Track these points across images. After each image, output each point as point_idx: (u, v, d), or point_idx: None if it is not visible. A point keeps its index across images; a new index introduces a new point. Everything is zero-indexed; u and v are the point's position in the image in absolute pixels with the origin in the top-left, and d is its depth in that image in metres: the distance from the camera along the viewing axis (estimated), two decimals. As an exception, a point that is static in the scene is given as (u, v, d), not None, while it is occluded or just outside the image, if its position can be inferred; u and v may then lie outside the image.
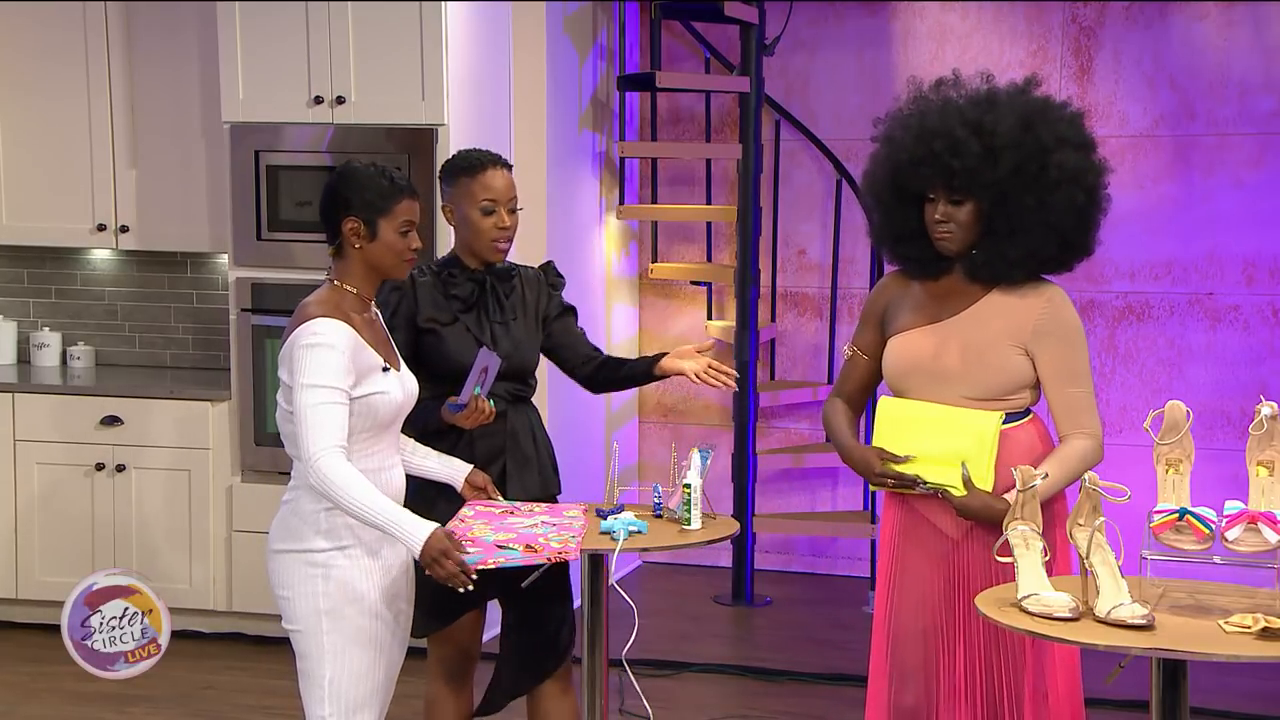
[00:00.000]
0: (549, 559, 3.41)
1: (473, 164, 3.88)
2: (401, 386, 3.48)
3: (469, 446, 3.85)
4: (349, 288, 3.44)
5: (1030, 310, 3.51)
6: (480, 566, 3.35)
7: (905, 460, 3.48)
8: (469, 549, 3.36)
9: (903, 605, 3.59)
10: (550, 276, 4.10)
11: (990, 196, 3.44)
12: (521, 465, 3.90)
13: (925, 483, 3.46)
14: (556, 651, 3.96)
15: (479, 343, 3.82)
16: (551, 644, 3.95)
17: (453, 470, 3.77)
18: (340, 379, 3.30)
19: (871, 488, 3.62)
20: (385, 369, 3.42)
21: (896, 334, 3.62)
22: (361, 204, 3.42)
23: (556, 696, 3.97)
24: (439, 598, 3.75)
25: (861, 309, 3.82)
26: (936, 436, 3.47)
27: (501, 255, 3.90)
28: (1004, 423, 3.50)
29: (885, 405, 3.60)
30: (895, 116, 3.63)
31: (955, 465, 3.41)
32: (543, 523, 3.62)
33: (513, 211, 3.90)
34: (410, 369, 3.71)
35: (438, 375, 3.83)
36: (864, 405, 3.78)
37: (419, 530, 3.22)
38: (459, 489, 3.77)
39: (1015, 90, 3.54)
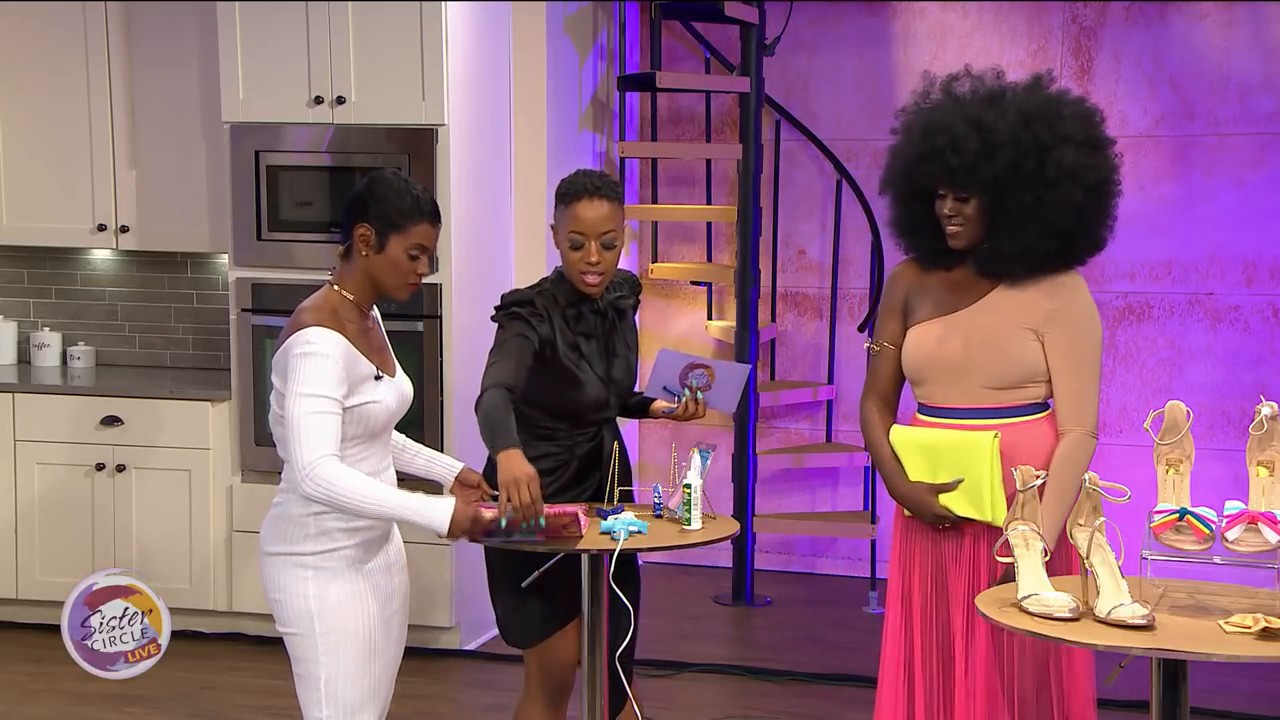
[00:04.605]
0: (568, 530, 3.47)
1: (567, 191, 3.74)
2: (395, 393, 3.47)
3: (573, 465, 3.87)
4: (346, 293, 3.42)
5: (1045, 295, 3.53)
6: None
7: (956, 486, 3.49)
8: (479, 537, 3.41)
9: (922, 607, 3.60)
10: (634, 285, 4.01)
11: (989, 193, 3.46)
12: (623, 477, 3.89)
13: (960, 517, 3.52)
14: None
15: (600, 379, 3.81)
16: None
17: (442, 469, 3.75)
18: (333, 388, 3.27)
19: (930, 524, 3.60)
20: (378, 377, 3.40)
21: (914, 325, 3.63)
22: (379, 214, 3.38)
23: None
24: (538, 608, 3.80)
25: (880, 304, 3.81)
26: (946, 464, 3.50)
27: (592, 290, 3.76)
28: (1020, 415, 3.52)
29: (897, 435, 3.61)
30: (909, 109, 3.66)
31: (972, 495, 3.44)
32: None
33: (609, 247, 3.72)
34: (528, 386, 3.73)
35: (550, 396, 3.81)
36: (898, 400, 3.74)
37: (440, 509, 3.19)
38: (448, 488, 3.74)
39: (1023, 87, 3.56)
